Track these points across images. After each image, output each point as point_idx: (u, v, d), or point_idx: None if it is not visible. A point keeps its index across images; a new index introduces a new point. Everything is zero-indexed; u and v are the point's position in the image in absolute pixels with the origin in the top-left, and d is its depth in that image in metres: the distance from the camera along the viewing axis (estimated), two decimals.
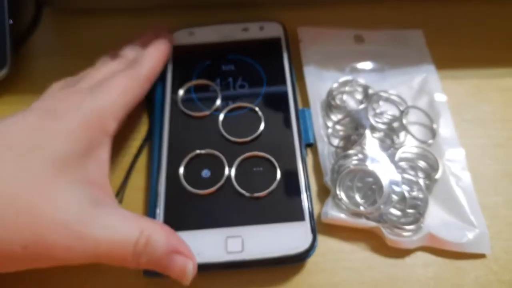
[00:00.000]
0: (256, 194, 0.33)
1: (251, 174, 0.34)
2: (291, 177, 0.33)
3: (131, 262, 0.26)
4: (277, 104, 0.37)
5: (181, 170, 0.34)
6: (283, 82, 0.38)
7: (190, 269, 0.28)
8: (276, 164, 0.34)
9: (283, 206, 0.32)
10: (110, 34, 0.42)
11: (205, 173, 0.34)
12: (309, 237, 0.31)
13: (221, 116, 0.36)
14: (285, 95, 0.37)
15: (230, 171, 0.34)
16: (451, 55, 0.41)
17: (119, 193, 0.35)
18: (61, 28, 0.45)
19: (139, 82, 0.33)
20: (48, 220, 0.25)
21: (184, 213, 0.32)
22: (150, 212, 0.33)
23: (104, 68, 0.34)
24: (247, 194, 0.33)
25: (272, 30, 0.41)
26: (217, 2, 0.44)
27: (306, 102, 0.39)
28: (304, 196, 0.32)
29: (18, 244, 0.24)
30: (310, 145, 0.36)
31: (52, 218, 0.25)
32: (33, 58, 0.43)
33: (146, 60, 0.35)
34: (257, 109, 0.37)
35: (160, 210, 0.32)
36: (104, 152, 0.30)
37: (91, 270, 0.31)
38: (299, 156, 0.34)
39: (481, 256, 0.33)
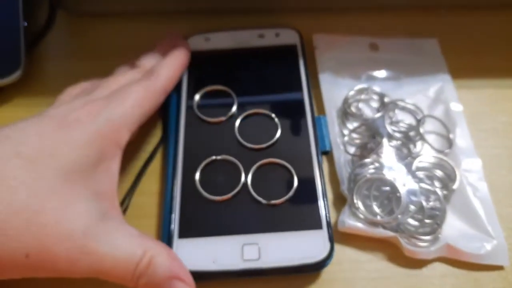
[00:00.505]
0: (273, 202, 0.32)
1: (267, 181, 0.33)
2: (308, 185, 0.33)
3: (130, 281, 0.26)
4: (293, 111, 0.36)
5: (197, 175, 0.33)
6: (299, 89, 0.37)
7: None
8: (293, 171, 0.33)
9: (300, 214, 0.31)
10: (123, 38, 0.42)
11: (221, 179, 0.33)
12: (327, 246, 0.30)
13: (237, 122, 0.36)
14: (301, 102, 0.37)
15: (247, 178, 0.33)
16: (466, 64, 0.41)
17: (126, 199, 0.34)
18: (74, 30, 0.45)
19: (155, 94, 0.33)
20: (54, 230, 0.24)
21: (200, 220, 0.31)
22: (165, 217, 0.32)
23: (122, 78, 0.34)
24: (263, 201, 0.32)
25: (288, 36, 0.41)
26: (232, 8, 0.43)
27: (321, 110, 0.38)
28: (321, 204, 0.32)
29: (21, 252, 0.24)
30: (326, 152, 0.36)
31: (58, 229, 0.24)
32: (46, 60, 0.42)
33: (164, 71, 0.34)
34: (273, 115, 0.36)
35: (175, 216, 0.31)
36: (115, 164, 0.29)
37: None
38: (316, 164, 0.33)
39: (499, 268, 0.32)
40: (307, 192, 0.32)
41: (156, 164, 0.36)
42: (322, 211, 0.31)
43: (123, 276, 0.26)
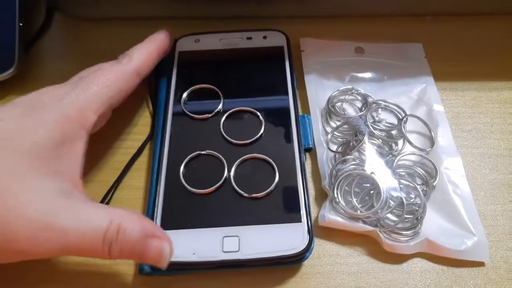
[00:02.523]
0: (254, 195, 0.31)
1: (250, 176, 0.32)
2: (289, 179, 0.31)
3: (102, 252, 0.24)
4: (278, 109, 0.35)
5: (181, 169, 0.32)
6: (285, 88, 0.36)
7: (167, 251, 0.26)
8: (275, 166, 0.32)
9: (280, 208, 0.30)
10: (118, 41, 0.40)
11: (205, 173, 0.32)
12: (306, 238, 0.29)
13: (223, 119, 0.35)
14: (286, 101, 0.36)
15: (230, 172, 0.32)
16: (450, 68, 0.40)
17: (109, 193, 0.33)
18: (70, 33, 0.44)
19: (124, 76, 0.31)
20: (13, 210, 0.23)
21: (182, 212, 0.30)
22: (148, 209, 0.31)
23: (96, 66, 0.32)
24: (245, 194, 0.31)
25: (275, 39, 0.40)
26: (222, 15, 0.43)
27: (307, 109, 0.37)
28: (301, 198, 0.31)
29: None
30: (309, 149, 0.34)
31: (17, 209, 0.23)
32: (42, 60, 0.41)
33: (136, 54, 0.33)
34: (258, 113, 0.35)
35: (158, 208, 0.30)
36: (79, 145, 0.28)
37: (86, 268, 0.30)
38: (298, 159, 0.32)
39: (480, 264, 0.30)
40: (288, 186, 0.31)
41: (144, 160, 0.35)
42: (302, 205, 0.30)
43: (92, 248, 0.24)
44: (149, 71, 0.34)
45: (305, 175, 0.32)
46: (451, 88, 0.39)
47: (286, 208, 0.30)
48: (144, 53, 0.33)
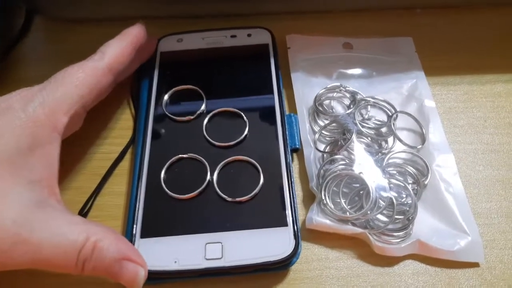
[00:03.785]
0: (238, 199, 0.29)
1: (233, 179, 0.30)
2: (274, 182, 0.30)
3: (74, 268, 0.23)
4: (262, 109, 0.33)
5: (162, 174, 0.30)
6: (270, 87, 0.34)
7: (142, 277, 0.25)
8: (260, 169, 0.30)
9: (265, 212, 0.28)
10: (100, 43, 0.39)
11: (187, 177, 0.30)
12: (292, 242, 0.27)
13: (205, 121, 0.33)
14: (271, 100, 0.34)
15: (213, 176, 0.30)
16: (441, 63, 0.38)
17: (89, 200, 0.31)
18: (51, 36, 0.42)
19: (95, 73, 0.29)
20: None
21: (164, 219, 0.28)
22: (129, 216, 0.29)
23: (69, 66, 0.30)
24: (228, 198, 0.29)
25: (259, 37, 0.38)
26: (206, 13, 0.41)
27: (294, 109, 0.35)
28: (287, 201, 0.29)
29: None
30: (296, 150, 0.32)
31: None
32: (23, 64, 0.39)
33: (107, 50, 0.30)
34: (242, 113, 0.33)
35: (138, 215, 0.28)
36: (53, 149, 0.26)
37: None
38: (284, 161, 0.30)
39: (475, 265, 0.29)
40: (274, 189, 0.29)
41: (127, 164, 0.33)
42: (288, 208, 0.28)
43: (65, 264, 0.23)
44: (123, 67, 0.31)
45: (291, 176, 0.30)
46: (443, 82, 0.37)
47: (271, 211, 0.28)
48: (117, 48, 0.31)
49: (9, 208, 0.23)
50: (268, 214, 0.28)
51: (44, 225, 0.23)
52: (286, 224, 0.28)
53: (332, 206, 0.30)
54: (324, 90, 0.36)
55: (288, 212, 0.28)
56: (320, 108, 0.35)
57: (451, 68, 0.38)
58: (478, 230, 0.29)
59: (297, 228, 0.28)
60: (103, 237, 0.24)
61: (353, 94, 0.36)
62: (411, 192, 0.30)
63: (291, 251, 0.27)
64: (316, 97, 0.36)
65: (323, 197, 0.30)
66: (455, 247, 0.28)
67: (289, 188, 0.29)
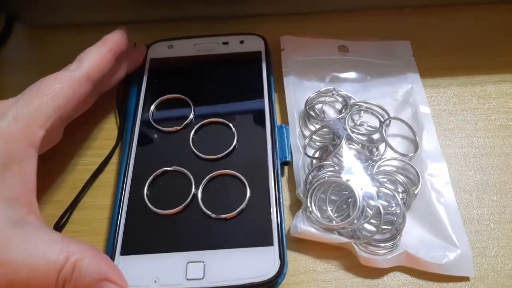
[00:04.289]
0: (223, 216, 0.26)
1: (219, 194, 0.28)
2: (261, 198, 0.27)
3: None
4: (252, 120, 0.31)
5: (146, 188, 0.28)
6: (261, 97, 0.32)
7: None
8: (246, 183, 0.28)
9: (250, 230, 0.26)
10: (81, 49, 0.38)
11: (171, 192, 0.28)
12: (277, 263, 0.25)
13: (192, 132, 0.30)
14: (261, 111, 0.31)
15: (197, 190, 0.28)
16: (431, 63, 0.36)
17: (66, 214, 0.29)
18: (31, 42, 0.40)
19: (72, 83, 0.27)
20: None
21: (145, 235, 0.26)
22: (110, 231, 0.27)
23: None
24: (213, 215, 0.27)
25: (252, 43, 0.35)
26: (199, 16, 0.39)
27: (285, 118, 0.33)
28: (274, 218, 0.26)
29: None
30: (286, 163, 0.30)
31: None
32: (3, 72, 0.38)
33: (85, 58, 0.28)
34: (230, 125, 0.31)
35: (119, 231, 0.26)
36: (29, 165, 0.24)
37: None
38: (272, 176, 0.28)
39: (464, 279, 0.27)
40: (260, 206, 0.27)
41: (111, 176, 0.32)
42: (274, 227, 0.26)
43: (43, 285, 0.21)
44: (101, 75, 0.29)
45: (279, 192, 0.28)
46: (433, 85, 0.35)
47: (256, 230, 0.26)
48: (95, 56, 0.29)
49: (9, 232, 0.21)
50: (253, 232, 0.26)
51: (22, 245, 0.21)
52: (271, 244, 0.26)
53: (318, 214, 0.28)
54: (315, 94, 0.34)
55: (274, 231, 0.26)
56: (311, 113, 0.33)
57: (441, 69, 0.36)
58: (468, 243, 0.27)
59: (283, 248, 0.25)
60: (83, 256, 0.22)
61: (346, 99, 0.33)
62: (399, 201, 0.28)
63: (275, 272, 0.25)
64: (307, 101, 0.33)
65: (309, 204, 0.28)
66: (443, 260, 0.26)
67: (276, 205, 0.27)
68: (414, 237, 0.28)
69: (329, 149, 0.31)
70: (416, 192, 0.29)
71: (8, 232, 0.22)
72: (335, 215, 0.28)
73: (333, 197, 0.29)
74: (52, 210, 0.30)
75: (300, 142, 0.32)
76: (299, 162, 0.31)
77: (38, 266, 0.21)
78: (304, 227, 0.27)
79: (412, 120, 0.33)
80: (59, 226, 0.29)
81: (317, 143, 0.32)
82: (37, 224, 0.23)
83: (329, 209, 0.28)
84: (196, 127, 0.31)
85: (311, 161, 0.31)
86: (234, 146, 0.30)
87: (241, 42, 0.36)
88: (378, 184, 0.29)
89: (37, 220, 0.23)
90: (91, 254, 0.23)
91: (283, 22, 0.39)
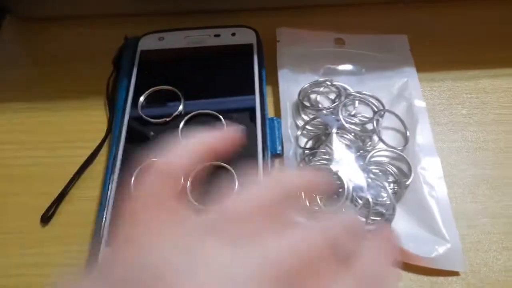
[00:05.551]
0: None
1: (207, 186, 0.27)
2: None
3: None
4: (243, 112, 0.31)
5: (133, 180, 0.27)
6: (252, 90, 0.32)
7: None
8: (235, 175, 0.27)
9: None
10: (75, 42, 0.37)
11: None
12: None
13: (182, 123, 0.30)
14: (252, 103, 0.31)
15: (186, 182, 0.27)
16: (424, 58, 0.35)
17: (53, 206, 0.29)
18: (22, 35, 0.40)
19: None
20: None
21: None
22: (97, 224, 0.26)
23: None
24: (201, 207, 0.26)
25: (244, 36, 0.35)
26: (192, 10, 0.38)
27: (278, 111, 0.32)
28: None
29: None
30: (277, 155, 0.30)
31: None
32: None
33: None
34: (220, 117, 0.30)
35: (105, 223, 0.26)
36: None
37: None
38: (261, 167, 0.28)
39: (454, 273, 0.26)
40: None
41: (100, 168, 0.31)
42: None
43: None
44: None
45: None
46: (426, 79, 0.34)
47: None
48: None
49: None
50: None
51: None
52: None
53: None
54: (310, 84, 0.33)
55: None
56: (305, 103, 0.32)
57: (434, 64, 0.36)
58: (459, 237, 0.27)
59: None
60: None
61: (339, 89, 0.33)
62: (389, 192, 0.27)
63: None
64: (300, 91, 0.33)
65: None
66: (432, 254, 0.26)
67: None
68: (403, 230, 0.27)
69: (321, 138, 0.31)
70: (407, 183, 0.29)
71: None
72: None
73: None
74: (41, 202, 0.30)
75: (292, 132, 0.31)
76: (290, 152, 0.30)
77: None
78: None
79: (406, 114, 0.32)
80: (46, 218, 0.29)
81: (310, 133, 0.32)
82: None
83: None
84: (185, 118, 0.31)
85: (303, 151, 0.31)
86: None
87: (233, 34, 0.36)
88: (369, 175, 0.29)
89: None
90: None
91: (278, 17, 0.38)
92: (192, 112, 0.31)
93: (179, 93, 0.32)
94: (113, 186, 0.28)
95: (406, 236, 0.27)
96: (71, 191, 0.30)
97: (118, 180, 0.28)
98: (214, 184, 0.28)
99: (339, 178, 0.28)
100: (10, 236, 0.28)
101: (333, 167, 0.28)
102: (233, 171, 0.28)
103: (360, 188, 0.27)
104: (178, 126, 0.30)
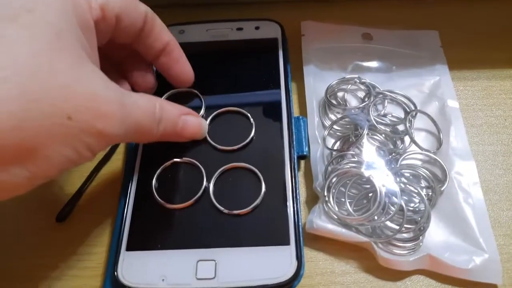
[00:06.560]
0: (235, 212, 0.25)
1: (232, 188, 0.26)
2: (277, 194, 0.25)
3: (156, 130, 0.24)
4: (268, 111, 0.29)
5: (154, 179, 0.26)
6: (277, 87, 0.30)
7: (205, 124, 0.27)
8: (261, 178, 0.26)
9: (265, 227, 0.24)
10: None
11: (181, 185, 0.26)
12: (294, 264, 0.23)
13: (207, 121, 0.29)
14: (278, 101, 0.29)
15: (209, 184, 0.26)
16: (458, 56, 0.33)
17: (71, 202, 0.28)
18: None
19: None
20: (81, 90, 0.20)
21: (152, 230, 0.25)
22: (116, 226, 0.26)
23: None
24: (225, 210, 0.25)
25: (268, 30, 0.33)
26: (214, 1, 0.37)
27: (304, 103, 0.31)
28: (291, 216, 0.25)
29: (60, 115, 0.19)
30: (303, 157, 0.28)
31: (83, 88, 0.20)
32: None
33: None
34: (249, 115, 0.29)
35: (125, 224, 0.25)
36: (94, 37, 0.23)
37: None
38: (288, 170, 0.26)
39: (492, 286, 0.25)
40: (276, 202, 0.25)
41: (117, 165, 0.30)
42: (291, 225, 0.24)
43: (147, 126, 0.23)
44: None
45: (296, 187, 0.26)
46: (459, 77, 0.33)
47: (272, 228, 0.24)
48: None
49: (94, 77, 0.21)
50: (269, 230, 0.24)
51: (125, 94, 0.22)
52: (288, 243, 0.24)
53: (336, 208, 0.26)
54: (337, 81, 0.32)
55: (291, 229, 0.24)
56: (333, 101, 0.31)
57: (468, 61, 0.34)
58: (497, 247, 0.25)
59: (300, 248, 0.24)
60: (163, 102, 0.25)
61: (369, 87, 0.31)
62: (425, 199, 0.26)
63: (292, 273, 0.23)
64: (328, 88, 0.31)
65: (327, 198, 0.26)
66: (469, 265, 0.24)
67: (293, 201, 0.25)
68: (438, 239, 0.26)
69: (351, 139, 0.29)
70: (442, 189, 0.27)
71: (110, 83, 0.22)
72: (354, 208, 0.26)
73: (353, 191, 0.27)
74: (58, 198, 0.29)
75: (319, 133, 0.30)
76: (317, 154, 0.29)
77: (144, 110, 0.23)
78: (321, 223, 0.26)
79: (439, 114, 0.31)
80: (63, 214, 0.28)
81: (338, 133, 0.30)
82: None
83: (347, 202, 0.26)
84: (211, 116, 0.29)
85: (331, 153, 0.29)
86: (252, 138, 0.28)
87: (257, 28, 0.34)
88: (401, 179, 0.27)
89: None
90: (165, 101, 0.25)
91: (303, 9, 0.37)
92: (215, 110, 0.30)
93: (200, 90, 0.31)
94: (133, 187, 0.27)
95: (441, 246, 0.25)
96: (87, 190, 0.29)
97: (139, 180, 0.27)
98: (239, 187, 0.26)
99: (371, 184, 0.26)
100: (25, 237, 0.27)
101: (365, 171, 0.27)
102: (259, 173, 0.26)
103: (393, 193, 0.26)
104: None
